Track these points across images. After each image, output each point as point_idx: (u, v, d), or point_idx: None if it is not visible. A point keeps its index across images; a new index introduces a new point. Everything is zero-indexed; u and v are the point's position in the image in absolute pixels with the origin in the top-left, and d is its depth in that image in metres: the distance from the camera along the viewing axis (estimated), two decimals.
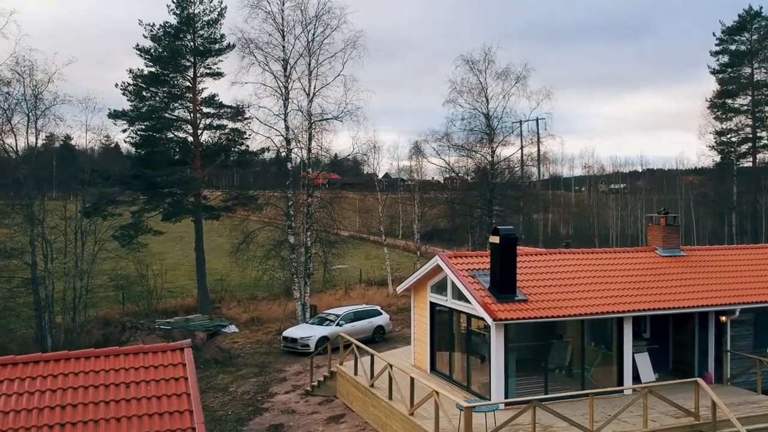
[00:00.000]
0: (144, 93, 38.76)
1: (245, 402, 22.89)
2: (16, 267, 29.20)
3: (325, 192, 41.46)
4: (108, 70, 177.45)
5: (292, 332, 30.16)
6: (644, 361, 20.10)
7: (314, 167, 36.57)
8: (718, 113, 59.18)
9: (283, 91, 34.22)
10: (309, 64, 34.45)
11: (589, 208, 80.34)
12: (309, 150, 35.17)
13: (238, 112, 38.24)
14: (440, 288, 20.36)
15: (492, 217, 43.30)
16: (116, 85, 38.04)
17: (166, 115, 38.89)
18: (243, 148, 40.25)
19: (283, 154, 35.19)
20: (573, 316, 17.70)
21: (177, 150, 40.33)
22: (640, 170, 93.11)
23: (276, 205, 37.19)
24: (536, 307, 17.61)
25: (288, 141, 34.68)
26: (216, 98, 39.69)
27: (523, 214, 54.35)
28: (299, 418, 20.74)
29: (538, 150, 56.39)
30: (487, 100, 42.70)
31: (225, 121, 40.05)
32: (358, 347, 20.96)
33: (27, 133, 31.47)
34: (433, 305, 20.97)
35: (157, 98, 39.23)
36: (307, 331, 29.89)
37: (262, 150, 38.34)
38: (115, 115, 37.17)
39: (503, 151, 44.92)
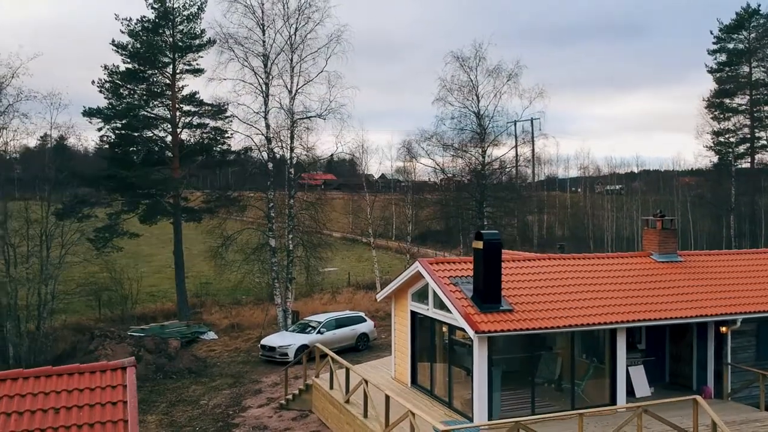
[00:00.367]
0: (121, 90, 37.33)
1: (215, 416, 21.51)
2: None
3: (308, 193, 40.03)
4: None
5: (270, 340, 28.79)
6: (639, 374, 18.82)
7: (297, 167, 35.21)
8: (716, 113, 58.11)
9: (264, 87, 32.90)
10: (291, 60, 33.16)
11: (584, 210, 79.23)
12: (291, 149, 33.81)
13: (219, 110, 36.88)
14: (421, 296, 19.03)
15: (483, 219, 42.00)
16: (92, 82, 36.67)
17: (144, 113, 37.48)
18: (224, 147, 38.89)
19: (264, 153, 33.81)
20: (562, 327, 16.38)
21: (155, 149, 38.89)
22: (636, 171, 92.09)
23: (257, 207, 35.83)
24: (522, 318, 16.28)
25: (269, 140, 33.31)
26: (196, 96, 38.36)
27: (517, 216, 53.08)
28: None
29: (533, 150, 55.16)
30: (477, 98, 41.41)
31: (206, 120, 38.70)
32: (333, 359, 19.60)
33: None
34: (414, 314, 19.63)
35: (135, 96, 37.82)
36: (286, 339, 28.53)
37: (244, 149, 36.96)
38: (89, 113, 35.74)
39: (495, 152, 43.64)
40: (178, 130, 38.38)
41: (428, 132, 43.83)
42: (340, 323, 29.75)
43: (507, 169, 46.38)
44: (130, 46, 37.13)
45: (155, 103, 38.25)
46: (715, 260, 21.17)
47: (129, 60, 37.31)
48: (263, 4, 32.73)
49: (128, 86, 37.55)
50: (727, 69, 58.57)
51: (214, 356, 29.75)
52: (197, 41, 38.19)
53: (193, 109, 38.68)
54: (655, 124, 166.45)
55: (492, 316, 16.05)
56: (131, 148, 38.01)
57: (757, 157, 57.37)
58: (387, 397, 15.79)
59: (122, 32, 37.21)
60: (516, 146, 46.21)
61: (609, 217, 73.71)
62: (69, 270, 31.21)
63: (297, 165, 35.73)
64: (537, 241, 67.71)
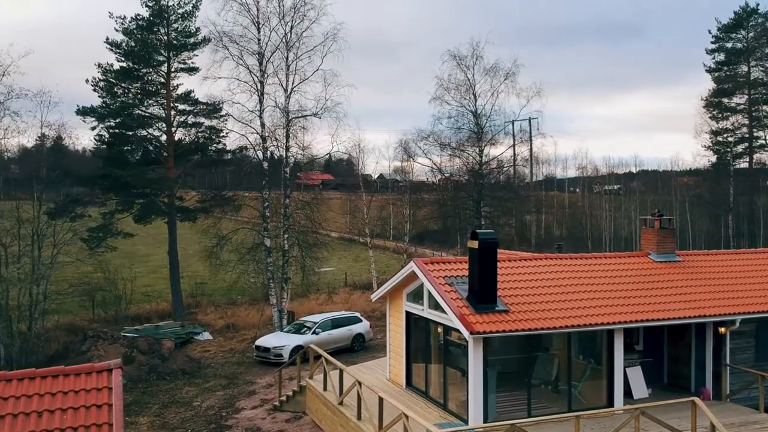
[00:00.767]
0: (116, 89, 37.02)
1: (208, 418, 21.25)
2: None
3: (304, 193, 39.74)
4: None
5: (265, 341, 28.52)
6: (637, 375, 18.59)
7: (293, 167, 34.94)
8: (714, 112, 57.91)
9: (259, 86, 32.61)
10: (286, 58, 32.88)
11: (582, 210, 79.04)
12: (287, 148, 33.52)
13: (214, 109, 36.58)
14: (416, 296, 18.76)
15: (481, 218, 41.75)
16: (86, 80, 36.36)
17: (138, 111, 37.16)
18: (219, 146, 38.57)
19: (259, 152, 33.55)
20: (558, 328, 16.13)
21: (150, 148, 38.59)
22: (635, 171, 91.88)
23: (252, 206, 35.55)
24: (518, 319, 16.03)
25: (264, 139, 33.05)
26: (191, 94, 38.06)
27: (515, 216, 52.83)
28: None
29: (531, 150, 54.98)
30: (475, 97, 41.14)
31: (201, 119, 38.38)
32: (327, 360, 19.34)
33: None
34: (409, 315, 19.36)
35: (130, 94, 37.51)
36: (281, 340, 28.25)
37: (240, 149, 36.69)
38: (83, 112, 35.42)
39: (492, 151, 43.39)
40: (173, 129, 38.08)
41: (425, 131, 43.62)
42: (335, 324, 29.48)
43: (504, 169, 46.16)
44: (124, 44, 36.83)
45: (150, 101, 37.95)
46: (713, 260, 20.94)
47: (123, 58, 37.02)
48: (258, 2, 32.55)
49: (122, 85, 37.24)
50: (725, 68, 58.39)
51: (209, 357, 29.47)
52: (192, 39, 37.88)
53: (188, 108, 38.39)
54: (654, 124, 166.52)
55: (487, 317, 15.80)
56: (126, 148, 37.68)
57: (756, 156, 57.19)
58: (380, 399, 15.54)
59: (117, 30, 36.99)
60: (514, 145, 46.02)
61: (607, 217, 73.54)
62: (63, 270, 30.91)
63: (293, 164, 35.45)
64: (535, 241, 67.49)
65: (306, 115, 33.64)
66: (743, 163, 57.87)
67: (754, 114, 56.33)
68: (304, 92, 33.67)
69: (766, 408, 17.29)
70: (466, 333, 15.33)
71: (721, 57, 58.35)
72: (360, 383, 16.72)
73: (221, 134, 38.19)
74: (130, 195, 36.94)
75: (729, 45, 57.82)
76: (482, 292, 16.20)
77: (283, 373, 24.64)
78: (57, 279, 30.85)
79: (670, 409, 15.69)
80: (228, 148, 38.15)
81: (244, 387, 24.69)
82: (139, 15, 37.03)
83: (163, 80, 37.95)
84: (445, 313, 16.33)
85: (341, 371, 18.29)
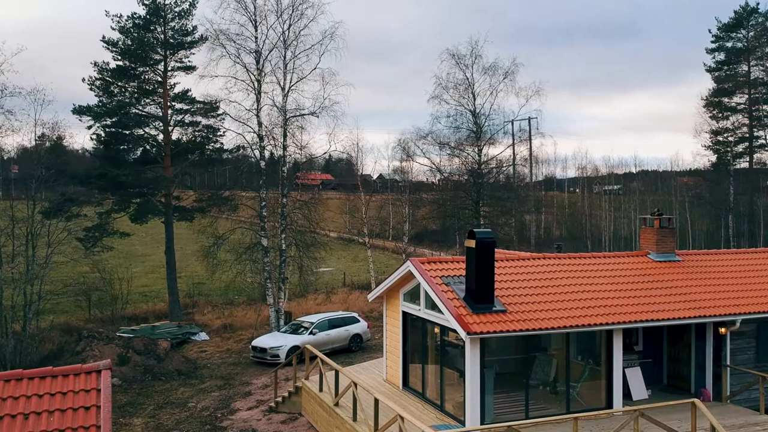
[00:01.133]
0: (112, 88, 36.78)
1: (203, 419, 21.01)
2: None
3: (302, 193, 39.49)
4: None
5: (261, 341, 28.30)
6: (636, 376, 18.39)
7: (291, 166, 34.72)
8: (714, 112, 57.68)
9: (256, 85, 32.36)
10: (284, 57, 32.63)
11: (581, 210, 78.83)
12: (284, 147, 33.31)
13: (211, 108, 36.34)
14: (413, 296, 18.56)
15: (479, 218, 41.52)
16: (83, 79, 36.10)
17: (135, 110, 36.90)
18: (217, 146, 38.32)
19: (256, 151, 33.28)
20: (556, 329, 15.91)
21: (146, 148, 38.34)
22: (635, 171, 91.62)
23: (249, 206, 35.32)
24: (516, 319, 15.82)
25: (261, 138, 32.80)
26: (188, 93, 37.77)
27: (514, 216, 52.59)
28: None
29: (530, 149, 54.90)
30: (473, 96, 40.91)
31: (198, 118, 38.11)
32: (323, 361, 19.13)
33: None
34: (405, 315, 19.16)
35: (126, 93, 37.27)
36: (278, 341, 28.03)
37: (237, 148, 36.45)
38: (79, 111, 35.16)
39: (491, 151, 43.14)
40: (170, 128, 37.84)
41: (423, 130, 43.41)
42: (333, 324, 29.26)
43: (504, 169, 45.93)
44: (120, 42, 36.58)
45: (147, 100, 37.69)
46: (713, 260, 20.72)
47: (120, 57, 36.76)
48: (255, 0, 32.29)
49: (119, 84, 36.99)
50: (725, 68, 58.17)
51: (205, 357, 29.25)
52: (189, 38, 37.62)
53: (185, 107, 38.14)
54: (653, 124, 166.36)
55: (484, 317, 15.59)
56: (122, 147, 37.42)
57: (756, 156, 56.96)
58: (376, 401, 15.34)
59: (113, 29, 36.74)
60: (513, 144, 45.79)
61: (607, 217, 73.35)
62: (59, 270, 30.67)
63: (291, 164, 35.24)
64: (534, 240, 67.29)
65: (304, 114, 33.45)
66: (743, 163, 57.68)
67: (754, 113, 56.11)
68: (301, 91, 33.60)
69: (766, 409, 17.10)
70: (462, 333, 15.12)
71: (722, 56, 58.15)
72: (355, 384, 16.51)
73: (218, 133, 38.00)
74: (127, 194, 36.70)
75: (729, 44, 57.61)
76: (479, 292, 15.99)
77: (280, 373, 24.45)
78: (53, 279, 30.62)
79: (669, 410, 15.51)
80: (225, 148, 37.94)
81: (240, 388, 24.47)
82: (135, 13, 36.84)
83: (160, 79, 37.71)
84: (442, 313, 16.14)
85: (337, 372, 18.07)
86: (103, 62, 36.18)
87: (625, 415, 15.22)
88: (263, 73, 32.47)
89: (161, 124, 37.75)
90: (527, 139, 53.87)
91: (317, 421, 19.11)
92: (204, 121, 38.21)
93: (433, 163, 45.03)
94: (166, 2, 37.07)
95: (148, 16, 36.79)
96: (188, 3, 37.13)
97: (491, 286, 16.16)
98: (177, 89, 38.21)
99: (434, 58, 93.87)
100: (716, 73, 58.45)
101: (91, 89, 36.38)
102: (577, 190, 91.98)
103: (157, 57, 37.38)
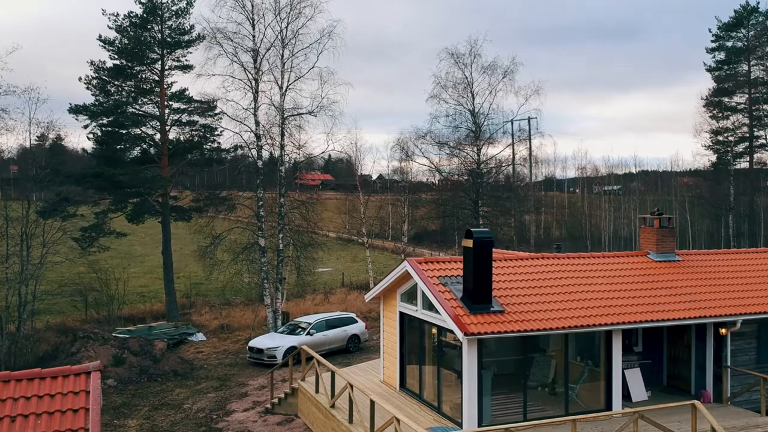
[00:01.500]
0: (109, 87, 36.58)
1: (198, 421, 20.80)
2: None
3: (300, 193, 39.30)
4: None
5: (258, 342, 28.09)
6: (635, 377, 18.17)
7: (288, 166, 34.51)
8: (714, 111, 57.46)
9: (253, 84, 32.15)
10: (281, 56, 32.42)
11: (581, 210, 78.62)
12: (282, 147, 33.09)
13: (208, 107, 36.14)
14: (410, 297, 18.35)
15: (479, 218, 41.31)
16: (79, 78, 35.89)
17: (132, 110, 36.69)
18: (214, 145, 38.14)
19: (253, 150, 33.07)
20: (555, 329, 15.70)
21: (143, 147, 38.14)
22: (634, 171, 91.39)
23: (246, 206, 35.12)
24: (514, 320, 15.61)
25: (258, 137, 32.59)
26: (186, 93, 37.58)
27: (513, 216, 52.39)
28: None
29: (530, 149, 54.63)
30: (472, 95, 40.69)
31: (195, 117, 37.90)
32: (319, 362, 18.92)
33: None
34: (402, 315, 18.95)
35: (123, 93, 37.07)
36: (275, 341, 27.82)
37: (234, 147, 36.24)
38: (75, 110, 34.95)
39: (490, 150, 42.92)
40: (167, 128, 37.64)
41: (422, 130, 43.19)
42: (330, 324, 29.05)
43: (503, 168, 45.72)
44: (117, 41, 36.38)
45: (144, 100, 37.50)
46: (714, 260, 20.51)
47: (117, 56, 36.55)
48: None
49: (116, 83, 36.80)
50: (725, 67, 57.96)
51: (202, 358, 29.03)
52: (186, 37, 37.43)
53: (182, 107, 37.93)
54: (653, 124, 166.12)
55: (482, 318, 15.39)
56: (119, 146, 37.20)
57: (756, 156, 56.76)
58: (372, 403, 15.13)
59: (110, 28, 36.55)
60: (513, 144, 45.56)
61: (607, 217, 73.16)
62: (56, 270, 30.43)
63: (290, 163, 35.05)
64: (534, 241, 67.08)
65: (301, 113, 33.24)
66: (743, 163, 57.47)
67: (754, 113, 55.90)
68: (299, 90, 33.49)
69: (767, 411, 16.87)
70: (460, 334, 14.92)
71: (722, 56, 57.93)
72: (351, 386, 16.30)
73: (216, 133, 37.80)
74: (124, 194, 36.48)
75: (729, 44, 57.40)
76: (477, 292, 15.78)
77: (277, 374, 24.26)
78: (51, 279, 30.42)
79: (669, 412, 15.31)
80: (223, 147, 37.74)
81: (237, 389, 24.26)
82: (132, 12, 36.65)
83: (156, 78, 37.52)
84: (439, 313, 15.94)
85: (333, 373, 17.87)
86: (100, 61, 36.06)
87: (624, 416, 15.02)
88: (261, 72, 32.29)
89: (158, 123, 37.57)
90: (527, 139, 53.64)
91: (313, 422, 18.90)
92: (201, 121, 38.06)
93: (432, 163, 44.85)
94: (163, 1, 36.91)
95: (145, 15, 36.61)
96: (185, 1, 36.98)
97: (489, 286, 15.95)
98: (174, 88, 38.09)
99: (434, 58, 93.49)
100: (716, 73, 58.25)
101: (87, 88, 36.24)
102: (577, 191, 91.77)
103: (154, 56, 37.19)
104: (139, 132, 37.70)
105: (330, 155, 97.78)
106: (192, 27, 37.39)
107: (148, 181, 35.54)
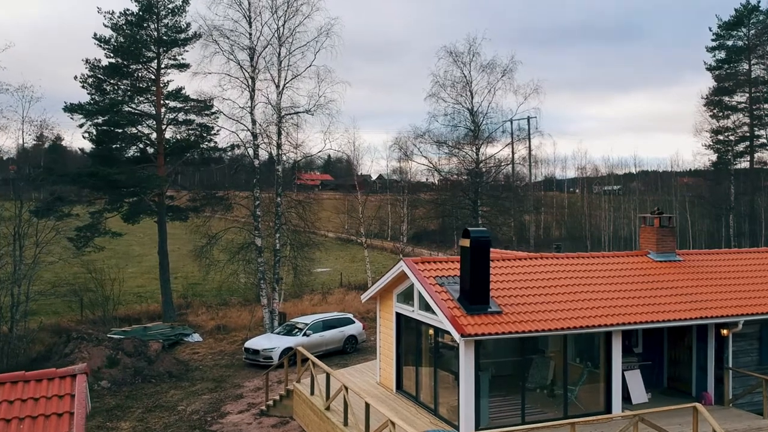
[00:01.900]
0: (105, 86, 36.27)
1: (192, 423, 20.52)
2: None
3: (297, 192, 39.01)
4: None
5: (254, 343, 27.81)
6: (635, 379, 17.89)
7: (285, 165, 34.22)
8: (715, 111, 57.14)
9: (250, 82, 31.88)
10: (278, 54, 32.17)
11: (581, 210, 78.36)
12: (278, 146, 32.79)
13: (204, 106, 35.83)
14: (407, 297, 18.06)
15: (478, 218, 41.02)
16: (75, 77, 35.61)
17: (128, 109, 36.39)
18: (211, 144, 37.83)
19: (250, 149, 32.79)
20: (554, 330, 15.41)
21: (139, 146, 37.85)
22: (634, 171, 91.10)
23: (242, 205, 34.84)
24: (512, 321, 15.32)
25: (255, 136, 32.31)
26: (182, 91, 37.26)
27: (513, 216, 52.11)
28: None
29: (529, 148, 54.34)
30: (471, 94, 40.40)
31: (191, 116, 37.60)
32: (314, 363, 18.64)
33: None
34: (399, 316, 18.66)
35: (120, 91, 36.77)
36: (271, 342, 27.55)
37: (231, 147, 35.97)
38: (70, 109, 34.65)
39: (489, 150, 42.62)
40: (163, 127, 37.34)
41: (420, 129, 42.87)
42: (327, 325, 28.77)
43: (502, 168, 45.42)
44: (113, 40, 36.08)
45: (140, 98, 37.18)
46: (715, 260, 20.22)
47: (112, 54, 36.24)
48: None
49: (111, 81, 36.49)
50: (726, 66, 57.61)
51: (197, 359, 28.75)
52: (182, 35, 37.10)
53: (178, 105, 37.63)
54: (653, 124, 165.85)
55: (479, 319, 15.10)
56: (115, 145, 36.90)
57: (757, 155, 56.45)
58: (367, 405, 14.86)
59: (105, 26, 36.26)
60: (512, 143, 45.26)
61: (606, 217, 72.92)
62: (52, 270, 30.16)
63: (288, 164, 34.80)
64: (534, 241, 66.81)
65: (298, 112, 32.97)
66: (744, 162, 57.17)
67: (755, 112, 55.59)
68: (296, 89, 33.08)
69: None
70: (456, 335, 14.64)
71: (722, 55, 57.58)
72: (347, 388, 16.03)
73: (212, 132, 37.51)
74: (119, 194, 36.15)
75: (730, 43, 57.09)
76: (474, 293, 15.50)
77: (273, 376, 23.98)
78: (47, 280, 30.13)
79: (670, 414, 15.03)
80: (219, 146, 37.45)
81: (232, 390, 23.98)
82: (128, 10, 36.33)
83: (153, 77, 37.21)
84: (436, 314, 15.65)
85: (328, 375, 17.58)
86: (95, 59, 35.75)
87: (624, 419, 14.75)
88: (257, 70, 32.04)
89: (154, 122, 37.26)
90: (526, 138, 53.29)
91: (308, 425, 18.63)
92: (198, 120, 37.75)
93: (431, 163, 44.56)
94: None
95: (140, 13, 36.31)
96: None
97: (486, 286, 15.67)
98: (170, 87, 37.76)
99: (433, 57, 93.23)
100: (717, 72, 57.89)
101: (83, 87, 35.94)
102: (577, 191, 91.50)
103: (150, 54, 36.88)
104: (135, 131, 37.40)
105: (330, 156, 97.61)
106: (188, 25, 37.14)
107: (144, 180, 35.22)
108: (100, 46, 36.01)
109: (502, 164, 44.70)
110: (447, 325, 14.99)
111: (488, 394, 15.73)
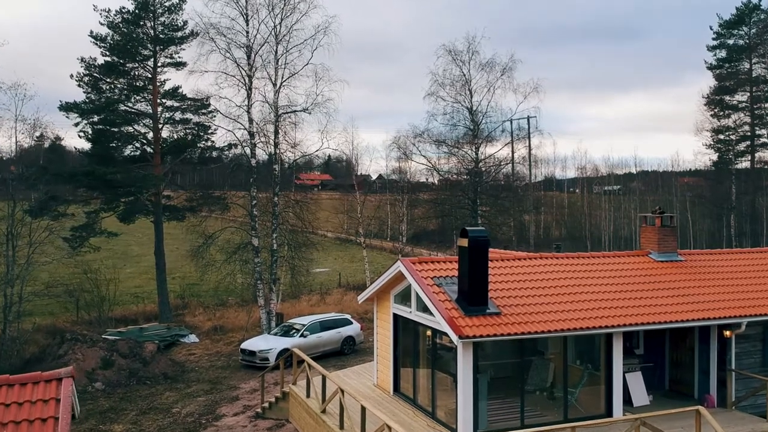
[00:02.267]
0: (101, 84, 35.98)
1: (186, 426, 20.22)
2: None
3: (296, 192, 38.69)
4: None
5: (250, 344, 27.51)
6: (637, 381, 17.59)
7: (283, 164, 33.91)
8: (716, 110, 56.83)
9: (247, 80, 31.60)
10: (275, 52, 31.88)
11: (581, 210, 78.10)
12: (275, 145, 32.50)
13: (201, 105, 35.54)
14: (404, 298, 17.76)
15: (477, 218, 40.69)
16: (71, 76, 35.32)
17: (125, 107, 36.09)
18: (208, 144, 37.54)
19: (247, 148, 32.47)
20: (553, 332, 15.10)
21: (135, 145, 37.56)
22: (635, 171, 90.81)
23: (239, 205, 34.55)
24: (511, 322, 15.01)
25: (252, 135, 32.01)
26: (179, 90, 36.97)
27: (513, 216, 51.81)
28: None
29: (529, 148, 54.05)
30: (470, 93, 40.03)
31: (188, 115, 37.31)
32: (310, 365, 18.34)
33: None
34: (396, 317, 18.36)
35: (116, 90, 36.47)
36: (268, 343, 27.26)
37: (228, 146, 35.67)
38: (66, 108, 34.36)
39: (489, 149, 42.26)
40: (160, 126, 37.05)
41: (419, 128, 42.52)
42: (324, 326, 28.46)
43: (502, 167, 45.07)
44: (109, 38, 35.79)
45: (137, 97, 36.89)
46: (717, 260, 19.90)
47: (108, 53, 35.95)
48: None
49: (107, 80, 36.20)
50: (727, 65, 57.31)
51: (193, 360, 28.45)
52: (179, 33, 36.85)
53: (175, 104, 37.34)
54: (653, 125, 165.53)
55: (478, 320, 14.79)
56: (111, 144, 36.60)
57: (758, 155, 56.17)
58: (363, 409, 14.56)
59: (102, 24, 35.99)
60: (512, 142, 44.93)
61: (607, 217, 72.66)
62: (48, 271, 29.84)
63: (287, 164, 34.51)
64: (534, 241, 66.54)
65: (296, 111, 32.68)
66: (745, 162, 56.88)
67: (756, 112, 55.30)
68: (293, 87, 32.77)
69: None
70: (454, 337, 14.33)
71: (723, 54, 57.29)
72: (342, 391, 15.72)
73: (209, 131, 37.20)
74: (115, 193, 35.85)
75: (731, 42, 56.79)
76: (472, 294, 15.20)
77: (269, 377, 23.70)
78: (43, 280, 29.81)
79: (672, 418, 14.72)
80: (216, 146, 37.16)
81: (227, 392, 23.68)
82: (124, 8, 36.09)
83: (149, 75, 36.92)
84: (434, 315, 15.35)
85: (324, 377, 17.28)
86: (90, 58, 35.46)
87: (625, 423, 14.43)
88: (254, 69, 31.75)
89: (151, 121, 36.96)
90: (526, 138, 52.97)
91: (304, 428, 18.32)
92: (195, 119, 37.48)
93: (430, 162, 44.23)
94: None
95: (137, 11, 36.04)
96: None
97: (485, 287, 15.37)
98: (167, 86, 37.54)
99: (432, 56, 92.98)
100: (717, 71, 57.60)
101: (79, 86, 35.65)
102: (577, 191, 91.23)
103: (147, 53, 36.61)
104: (132, 130, 37.11)
105: (330, 156, 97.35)
106: (185, 23, 36.88)
107: (140, 179, 34.91)
108: (96, 44, 35.77)
109: (502, 164, 44.37)
110: (445, 327, 14.70)
111: (487, 396, 15.43)
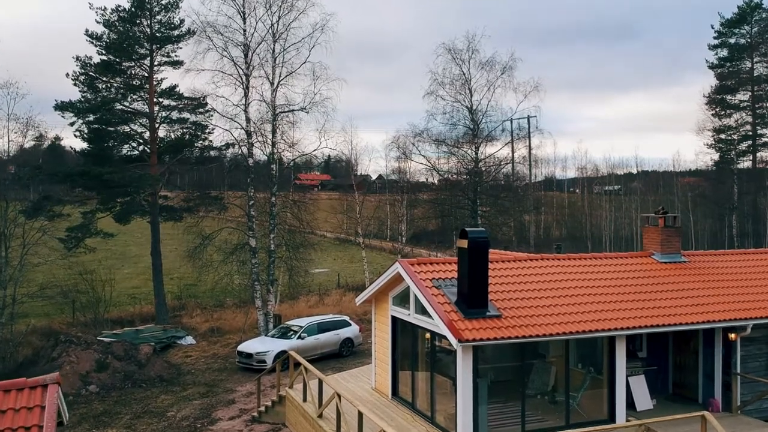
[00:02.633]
0: (97, 84, 35.62)
1: (181, 430, 19.88)
2: None
3: (293, 192, 38.33)
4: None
5: (247, 346, 27.16)
6: (640, 385, 17.25)
7: (281, 164, 33.55)
8: (717, 109, 56.48)
9: (244, 79, 31.25)
10: (273, 50, 31.53)
11: (582, 210, 77.76)
12: (273, 144, 32.16)
13: (198, 104, 35.17)
14: (402, 300, 17.41)
15: (477, 218, 40.33)
16: (67, 74, 34.97)
17: (121, 107, 35.72)
18: (205, 143, 37.17)
19: (244, 148, 32.12)
20: (555, 335, 14.74)
21: (132, 145, 37.20)
22: (635, 171, 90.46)
23: (236, 205, 34.20)
24: (511, 325, 14.65)
25: (249, 134, 31.66)
26: (176, 89, 36.61)
27: (513, 216, 51.43)
28: None
29: (529, 147, 53.73)
30: (470, 92, 39.65)
31: (185, 114, 36.96)
32: (306, 368, 17.98)
33: None
34: (395, 320, 18.01)
35: (112, 89, 36.12)
36: (265, 345, 26.91)
37: (225, 145, 35.31)
38: (61, 107, 34.00)
39: (489, 149, 41.87)
40: (157, 125, 36.69)
41: (419, 127, 42.18)
42: (322, 328, 28.12)
43: (502, 167, 44.70)
44: (105, 36, 35.44)
45: (133, 96, 36.53)
46: (722, 260, 19.54)
47: (104, 51, 35.59)
48: None
49: (104, 79, 35.84)
50: (728, 64, 56.98)
51: (190, 363, 28.09)
52: (176, 32, 36.48)
53: (172, 104, 36.97)
54: (653, 125, 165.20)
55: (477, 323, 14.44)
56: (106, 144, 36.22)
57: (759, 154, 55.84)
58: (360, 414, 14.21)
59: (98, 22, 35.64)
60: (512, 141, 44.57)
61: (607, 217, 72.31)
62: (44, 271, 29.47)
63: (286, 164, 34.16)
64: (534, 241, 66.20)
65: (293, 110, 32.34)
66: (747, 162, 56.54)
67: (757, 111, 54.97)
68: (291, 86, 32.39)
69: None
70: (453, 341, 13.98)
71: (724, 53, 56.97)
72: (339, 395, 15.37)
73: (206, 130, 36.85)
74: (112, 193, 35.47)
75: (732, 41, 56.45)
76: (472, 296, 14.84)
77: (266, 380, 23.36)
78: (39, 282, 29.45)
79: (677, 423, 14.37)
80: (214, 145, 36.78)
81: (224, 395, 23.32)
82: (120, 6, 35.74)
83: (146, 74, 36.57)
84: (432, 318, 14.99)
85: (320, 381, 16.93)
86: (86, 56, 35.11)
87: (629, 428, 14.08)
88: (251, 67, 31.39)
89: (147, 120, 36.61)
90: (526, 137, 52.63)
91: None
92: (191, 118, 37.10)
93: (429, 162, 43.86)
94: None
95: (133, 9, 35.68)
96: None
97: (485, 289, 15.02)
98: (164, 85, 37.18)
99: (432, 56, 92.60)
100: (719, 70, 57.27)
101: (75, 85, 35.30)
102: (577, 191, 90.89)
103: (143, 51, 36.26)
104: (128, 129, 36.76)
105: (329, 156, 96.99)
106: (182, 22, 36.52)
107: (136, 179, 34.53)
108: (92, 42, 35.42)
109: (502, 163, 43.99)
110: (444, 330, 14.35)
111: (487, 400, 15.09)
